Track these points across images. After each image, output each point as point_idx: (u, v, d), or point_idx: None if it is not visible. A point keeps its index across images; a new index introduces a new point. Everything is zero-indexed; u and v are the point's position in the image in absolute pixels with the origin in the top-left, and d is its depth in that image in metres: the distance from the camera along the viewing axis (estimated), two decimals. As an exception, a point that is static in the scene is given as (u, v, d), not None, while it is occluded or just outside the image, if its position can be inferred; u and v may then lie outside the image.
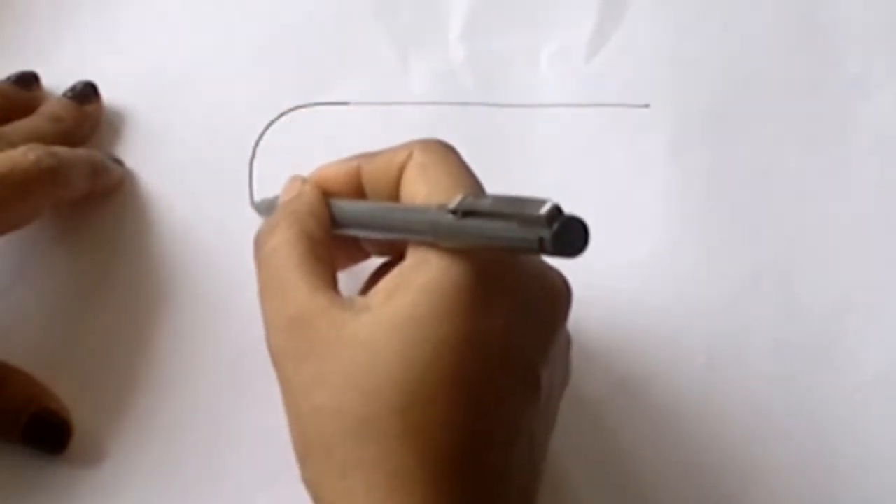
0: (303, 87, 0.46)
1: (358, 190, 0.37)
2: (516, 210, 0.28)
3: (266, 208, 0.41)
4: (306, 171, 0.44)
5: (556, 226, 0.27)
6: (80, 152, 0.42)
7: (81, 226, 0.43)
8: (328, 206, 0.37)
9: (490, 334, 0.31)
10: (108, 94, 0.45)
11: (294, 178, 0.39)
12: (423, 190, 0.33)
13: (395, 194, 0.35)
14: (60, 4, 0.48)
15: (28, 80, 0.45)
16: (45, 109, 0.44)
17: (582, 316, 0.42)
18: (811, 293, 0.43)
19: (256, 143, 0.45)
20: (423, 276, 0.31)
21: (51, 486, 0.39)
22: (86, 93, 0.45)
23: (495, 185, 0.44)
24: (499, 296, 0.31)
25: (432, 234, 0.31)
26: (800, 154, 0.45)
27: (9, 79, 0.44)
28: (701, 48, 0.48)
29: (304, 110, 0.46)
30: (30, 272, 0.42)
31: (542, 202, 0.27)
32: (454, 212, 0.30)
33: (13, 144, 0.39)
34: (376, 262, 0.38)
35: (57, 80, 0.45)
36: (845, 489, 0.39)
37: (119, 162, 0.44)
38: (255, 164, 0.44)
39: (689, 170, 0.45)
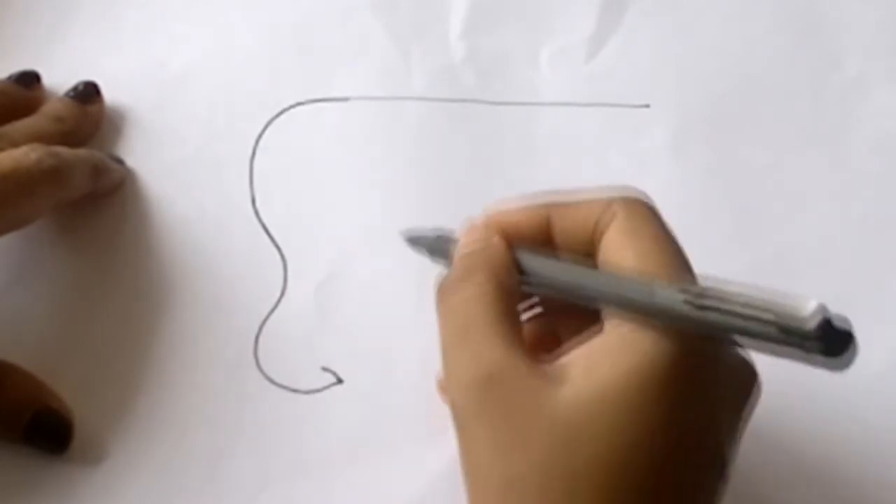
0: (303, 84, 0.46)
1: (546, 240, 0.35)
2: (775, 311, 0.26)
3: (429, 246, 0.38)
4: (307, 169, 0.44)
5: (826, 339, 0.25)
6: (81, 153, 0.42)
7: (82, 225, 0.43)
8: (518, 259, 0.34)
9: (695, 424, 0.30)
10: (109, 94, 0.45)
11: (476, 227, 0.36)
12: (631, 260, 0.32)
13: (589, 249, 0.34)
14: (61, 4, 0.48)
15: (29, 79, 0.45)
16: (48, 109, 0.44)
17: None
18: (811, 292, 0.43)
19: (257, 141, 0.45)
20: (634, 358, 0.30)
21: (52, 485, 0.39)
22: (88, 92, 0.45)
23: (495, 182, 0.45)
24: (704, 385, 0.30)
25: (659, 318, 0.30)
26: (799, 154, 0.46)
27: (10, 78, 0.44)
28: (701, 48, 0.48)
29: (304, 107, 0.46)
30: (31, 272, 0.42)
31: (806, 306, 0.25)
32: (690, 302, 0.28)
33: (15, 144, 0.39)
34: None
35: (58, 80, 0.45)
36: (845, 487, 0.39)
37: (120, 161, 0.44)
38: (256, 162, 0.45)
39: (689, 169, 0.45)
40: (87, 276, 0.42)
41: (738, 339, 0.28)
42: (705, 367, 0.30)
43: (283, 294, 0.42)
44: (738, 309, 0.27)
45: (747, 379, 0.33)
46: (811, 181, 0.45)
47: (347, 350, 0.41)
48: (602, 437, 0.29)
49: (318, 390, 0.40)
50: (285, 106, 0.46)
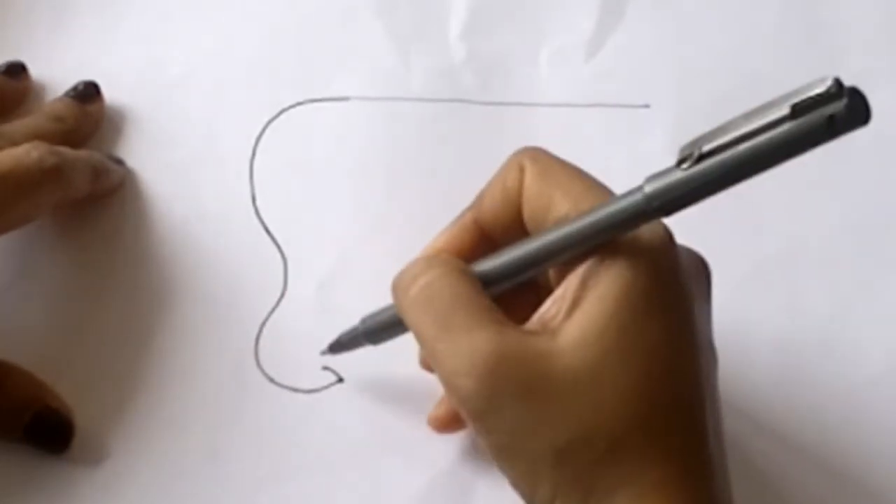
0: (303, 84, 0.46)
1: (482, 243, 0.35)
2: (782, 101, 0.25)
3: (364, 331, 0.38)
4: (307, 169, 0.44)
5: (845, 96, 0.24)
6: (81, 153, 0.42)
7: (82, 225, 0.43)
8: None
9: (686, 325, 0.31)
10: (109, 94, 0.45)
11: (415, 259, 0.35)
12: (558, 195, 0.32)
13: (520, 220, 0.34)
14: (61, 4, 0.48)
15: (15, 70, 0.45)
16: (48, 109, 0.44)
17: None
18: (812, 292, 0.43)
19: (257, 141, 0.45)
20: (615, 285, 0.30)
21: (53, 485, 0.38)
22: (88, 92, 0.45)
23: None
24: (683, 286, 0.31)
25: (648, 216, 0.29)
26: (799, 153, 0.46)
27: None
28: (701, 48, 0.48)
29: (304, 108, 0.46)
30: (31, 271, 0.42)
31: (814, 84, 0.25)
32: (683, 160, 0.28)
33: (15, 143, 0.39)
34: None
35: (58, 80, 0.45)
36: (847, 487, 0.39)
37: (120, 162, 0.44)
38: (256, 162, 0.45)
39: (689, 169, 0.45)
40: (88, 276, 0.42)
41: (753, 163, 0.27)
42: (678, 269, 0.31)
43: (283, 294, 0.42)
44: (742, 126, 0.26)
45: (705, 269, 0.34)
46: (811, 180, 0.45)
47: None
48: (621, 373, 0.30)
49: (318, 389, 0.40)
50: (285, 106, 0.46)
